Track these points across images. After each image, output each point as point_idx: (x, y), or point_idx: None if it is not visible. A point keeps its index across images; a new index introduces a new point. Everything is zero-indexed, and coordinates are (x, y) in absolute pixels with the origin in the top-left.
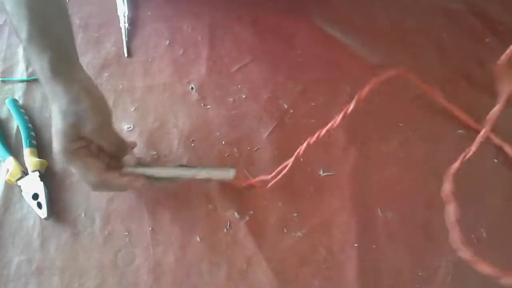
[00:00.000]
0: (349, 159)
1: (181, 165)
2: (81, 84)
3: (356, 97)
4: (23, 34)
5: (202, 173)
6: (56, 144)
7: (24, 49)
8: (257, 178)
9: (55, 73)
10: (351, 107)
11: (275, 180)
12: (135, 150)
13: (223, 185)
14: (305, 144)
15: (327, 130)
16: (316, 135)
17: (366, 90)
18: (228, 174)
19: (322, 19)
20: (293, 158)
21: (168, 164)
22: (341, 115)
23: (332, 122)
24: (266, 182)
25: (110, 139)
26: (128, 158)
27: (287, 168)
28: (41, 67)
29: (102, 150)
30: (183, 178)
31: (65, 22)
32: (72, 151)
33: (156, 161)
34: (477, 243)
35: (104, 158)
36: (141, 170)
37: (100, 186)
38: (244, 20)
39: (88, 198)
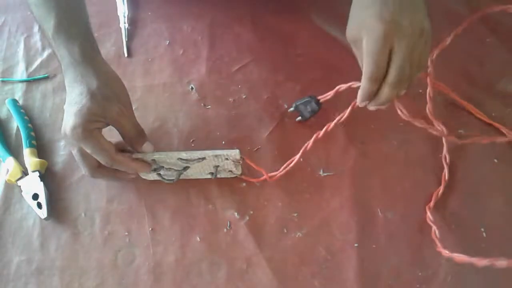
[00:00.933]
0: (349, 159)
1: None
2: (108, 71)
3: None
4: (51, 23)
5: (209, 153)
6: (74, 121)
7: (50, 38)
8: (262, 178)
9: (85, 57)
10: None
11: (280, 174)
12: None
13: (223, 185)
14: (312, 140)
15: (335, 124)
16: (323, 130)
17: None
18: (235, 153)
19: (322, 19)
20: (300, 153)
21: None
22: (349, 109)
23: (340, 116)
24: (271, 176)
25: (131, 124)
26: (146, 146)
27: (293, 163)
28: (69, 52)
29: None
30: (192, 162)
31: (86, 11)
32: (90, 129)
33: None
34: (477, 243)
35: (119, 143)
36: (154, 155)
37: (104, 170)
38: (244, 20)
39: (88, 198)
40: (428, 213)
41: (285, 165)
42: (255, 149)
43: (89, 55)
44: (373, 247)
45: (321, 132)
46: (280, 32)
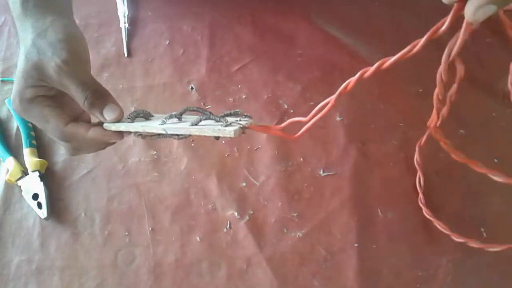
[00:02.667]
0: (349, 159)
1: (185, 111)
2: (56, 18)
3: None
4: None
5: (195, 132)
6: (13, 92)
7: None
8: (289, 121)
9: (26, 7)
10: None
11: (311, 123)
12: (138, 149)
13: (223, 184)
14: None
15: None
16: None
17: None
18: (228, 132)
19: (322, 19)
20: (335, 95)
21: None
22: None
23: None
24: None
25: (78, 83)
26: (107, 110)
27: (327, 107)
28: (12, 6)
29: (71, 102)
30: (177, 136)
31: None
32: (29, 98)
33: (155, 160)
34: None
35: (71, 112)
36: (123, 127)
37: (69, 145)
38: (244, 20)
39: (88, 198)
40: (424, 209)
41: (312, 115)
42: (255, 149)
43: (33, 4)
44: (373, 247)
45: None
46: (280, 32)
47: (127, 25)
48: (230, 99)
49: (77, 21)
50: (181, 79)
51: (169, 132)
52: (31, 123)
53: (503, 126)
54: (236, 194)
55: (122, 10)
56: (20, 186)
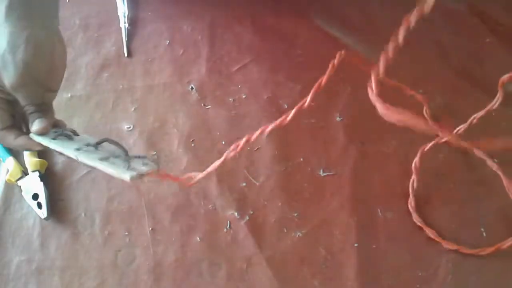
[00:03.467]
0: (349, 159)
1: (102, 142)
2: (31, 34)
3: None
4: None
5: (100, 166)
6: None
7: None
8: (186, 175)
9: (8, 15)
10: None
11: (200, 177)
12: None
13: (223, 184)
14: (257, 132)
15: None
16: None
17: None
18: (125, 176)
19: (322, 19)
20: (223, 157)
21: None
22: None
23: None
24: (191, 179)
25: (30, 99)
26: (35, 123)
27: (218, 164)
28: None
29: (19, 110)
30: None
31: None
32: None
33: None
34: (477, 243)
35: (25, 120)
36: (45, 142)
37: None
38: (244, 20)
39: (88, 198)
40: (414, 213)
41: (209, 168)
42: (255, 149)
43: (15, 14)
44: (373, 247)
45: (255, 135)
46: (280, 32)
47: (127, 25)
48: (230, 99)
49: (77, 21)
50: (181, 79)
51: (79, 160)
52: None
53: (503, 126)
54: (236, 194)
55: (122, 10)
56: (20, 186)
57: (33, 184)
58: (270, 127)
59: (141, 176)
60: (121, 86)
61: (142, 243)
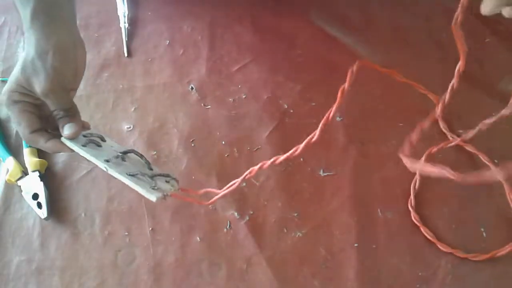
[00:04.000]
0: (349, 159)
1: (129, 153)
2: (57, 41)
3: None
4: None
5: (128, 182)
6: (5, 87)
7: (12, 1)
8: (203, 190)
9: (34, 22)
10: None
11: (220, 196)
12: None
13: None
14: (270, 160)
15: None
16: (290, 152)
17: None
18: (151, 196)
19: (322, 19)
20: (242, 176)
21: (120, 146)
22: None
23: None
24: (210, 195)
25: (59, 105)
26: (66, 127)
27: (235, 185)
28: (23, 16)
29: (51, 113)
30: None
31: None
32: (15, 100)
33: (155, 160)
34: (477, 243)
35: (51, 122)
36: (75, 148)
37: (28, 143)
38: (244, 20)
39: (88, 198)
40: (412, 213)
41: (225, 188)
42: (255, 149)
43: (40, 21)
44: (373, 247)
45: (283, 157)
46: (280, 32)
47: (127, 25)
48: (230, 99)
49: (77, 21)
50: (181, 79)
51: (109, 172)
52: None
53: (503, 126)
54: (236, 194)
55: (122, 10)
56: (20, 186)
57: (33, 184)
58: (282, 157)
59: (165, 197)
60: (121, 86)
61: (142, 243)
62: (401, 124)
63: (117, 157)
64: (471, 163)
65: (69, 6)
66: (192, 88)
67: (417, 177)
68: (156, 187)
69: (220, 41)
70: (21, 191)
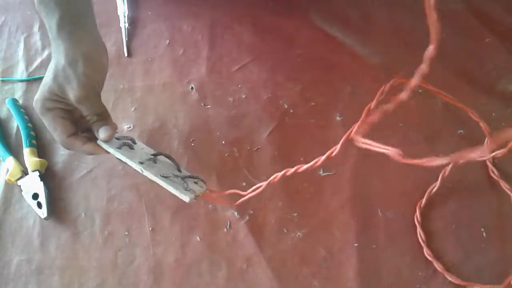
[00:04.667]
0: (349, 159)
1: (159, 155)
2: (85, 49)
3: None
4: None
5: (162, 183)
6: (38, 95)
7: (36, 12)
8: (229, 191)
9: (61, 32)
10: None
11: (246, 198)
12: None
13: (223, 185)
14: (293, 169)
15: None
16: (294, 168)
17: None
18: (185, 197)
19: (322, 19)
20: (267, 181)
21: (150, 148)
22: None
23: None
24: (237, 197)
25: (92, 110)
26: (101, 130)
27: (260, 189)
28: (50, 27)
29: (83, 117)
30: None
31: None
32: (48, 107)
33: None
34: (477, 243)
35: (82, 125)
36: (111, 150)
37: (65, 147)
38: (244, 20)
39: (88, 198)
40: (417, 213)
41: (251, 190)
42: (255, 149)
43: (66, 30)
44: (373, 247)
45: (305, 166)
46: (280, 32)
47: (127, 25)
48: (230, 99)
49: None
50: (181, 79)
51: (144, 173)
52: (31, 123)
53: (503, 126)
54: (236, 194)
55: (122, 10)
56: (20, 186)
57: (33, 184)
58: (304, 166)
59: (196, 197)
60: (121, 86)
61: (142, 243)
62: (401, 124)
63: (149, 159)
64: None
65: (91, 13)
66: (192, 88)
67: (437, 183)
68: (188, 188)
69: (220, 41)
70: (21, 191)
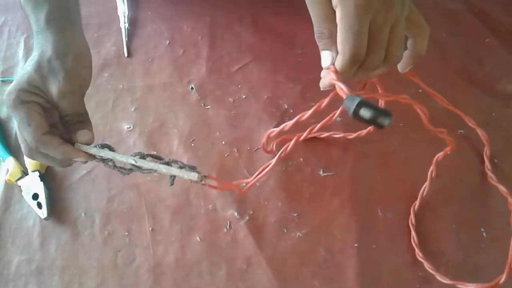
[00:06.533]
0: (349, 159)
1: (146, 155)
2: (75, 44)
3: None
4: None
5: (162, 169)
6: (12, 86)
7: (22, 6)
8: (236, 182)
9: (50, 24)
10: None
11: (254, 182)
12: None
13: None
14: (292, 141)
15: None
16: (306, 132)
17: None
18: (193, 175)
19: None
20: (274, 159)
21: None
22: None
23: (328, 117)
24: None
25: (74, 108)
26: (80, 134)
27: (267, 169)
28: (36, 19)
29: (61, 119)
30: (144, 170)
31: None
32: (23, 100)
33: None
34: (477, 243)
35: (58, 127)
36: (93, 150)
37: (34, 149)
38: (244, 20)
39: (88, 198)
40: (411, 216)
41: (258, 172)
42: (255, 149)
43: (56, 23)
44: (373, 247)
45: (303, 136)
46: (280, 32)
47: (127, 25)
48: (230, 99)
49: None
50: (181, 79)
51: (138, 164)
52: None
53: (503, 126)
54: (236, 194)
55: (122, 10)
56: (20, 186)
57: (33, 184)
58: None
59: (204, 177)
60: (121, 86)
61: (142, 243)
62: (401, 124)
63: (137, 155)
64: (466, 159)
65: (79, 12)
66: (192, 88)
67: (426, 184)
68: (191, 171)
69: (220, 41)
70: (21, 191)
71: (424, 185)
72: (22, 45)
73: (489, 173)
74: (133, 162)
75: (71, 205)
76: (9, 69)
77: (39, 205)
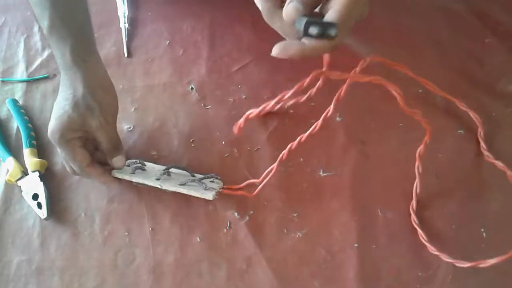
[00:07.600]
0: (349, 159)
1: (170, 168)
2: (99, 77)
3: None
4: (45, 22)
5: (183, 190)
6: (55, 126)
7: (46, 37)
8: (246, 182)
9: (76, 60)
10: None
11: (264, 182)
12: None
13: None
14: (296, 141)
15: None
16: (308, 132)
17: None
18: (208, 195)
19: None
20: (278, 160)
21: (159, 165)
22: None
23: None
24: (254, 186)
25: (108, 138)
26: (116, 160)
27: (274, 170)
28: (62, 54)
29: (97, 147)
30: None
31: (85, 12)
32: (67, 138)
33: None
34: (477, 243)
35: (96, 154)
36: (127, 177)
37: (78, 175)
38: (244, 20)
39: (88, 198)
40: (413, 215)
41: (264, 175)
42: (255, 149)
43: (81, 58)
44: (373, 247)
45: (305, 135)
46: None
47: (127, 25)
48: (230, 99)
49: None
50: (181, 79)
51: (163, 188)
52: (31, 123)
53: (503, 126)
54: (236, 194)
55: (122, 10)
56: (20, 186)
57: (33, 184)
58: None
59: (217, 193)
60: (121, 86)
61: (142, 243)
62: (401, 124)
63: (163, 174)
64: (466, 159)
65: (94, 40)
66: (192, 88)
67: (417, 181)
68: (208, 188)
69: (220, 41)
70: (21, 191)
71: (416, 182)
72: (22, 45)
73: (485, 153)
74: (159, 187)
75: (71, 205)
76: (9, 69)
77: (39, 205)
